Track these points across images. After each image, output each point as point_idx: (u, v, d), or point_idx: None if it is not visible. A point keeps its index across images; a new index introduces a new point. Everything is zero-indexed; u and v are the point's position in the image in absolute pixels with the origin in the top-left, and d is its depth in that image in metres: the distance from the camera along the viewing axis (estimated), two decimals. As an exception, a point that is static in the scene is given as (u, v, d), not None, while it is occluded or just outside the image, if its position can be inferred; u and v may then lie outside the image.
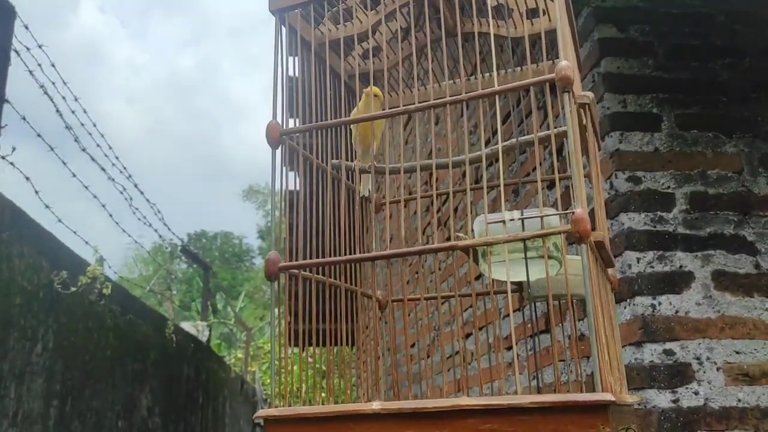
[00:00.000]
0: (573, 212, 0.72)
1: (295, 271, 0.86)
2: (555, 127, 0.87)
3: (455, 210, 3.21)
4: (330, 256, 0.91)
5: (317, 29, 1.09)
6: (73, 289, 2.81)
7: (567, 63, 0.79)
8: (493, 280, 0.97)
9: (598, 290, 0.79)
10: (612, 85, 1.91)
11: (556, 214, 0.79)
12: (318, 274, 0.92)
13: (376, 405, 0.74)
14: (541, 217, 0.75)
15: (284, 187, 0.94)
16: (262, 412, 0.78)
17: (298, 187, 0.93)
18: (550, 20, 1.10)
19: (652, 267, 1.76)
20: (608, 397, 0.66)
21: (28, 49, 2.67)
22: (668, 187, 1.84)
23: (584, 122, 0.93)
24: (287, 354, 0.84)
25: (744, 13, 2.04)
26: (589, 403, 0.66)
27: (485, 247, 0.77)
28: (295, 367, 0.87)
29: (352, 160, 1.14)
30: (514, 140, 0.98)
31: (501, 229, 0.79)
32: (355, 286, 1.01)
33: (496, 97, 0.84)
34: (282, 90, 0.94)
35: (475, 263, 0.89)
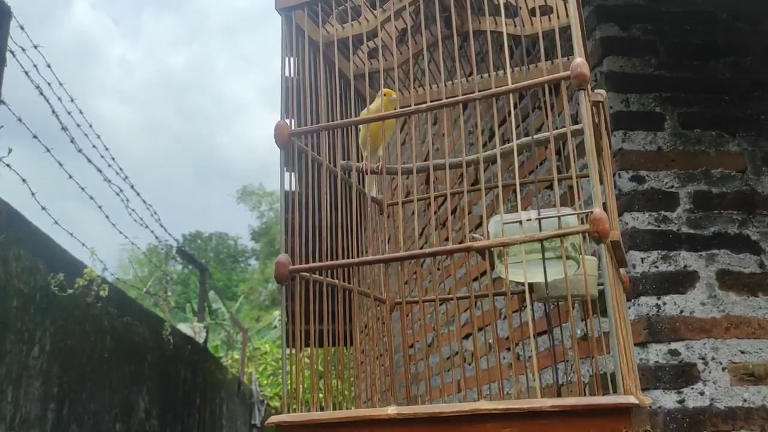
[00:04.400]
0: (591, 212, 0.71)
1: (306, 274, 0.85)
2: (560, 127, 0.86)
3: (454, 210, 3.20)
4: (339, 259, 0.89)
5: (323, 28, 1.08)
6: (70, 291, 2.79)
7: (582, 60, 0.78)
8: (500, 280, 0.96)
9: (615, 291, 0.78)
10: (615, 84, 1.90)
11: (573, 214, 0.78)
12: (328, 276, 0.90)
13: (391, 410, 0.72)
14: (558, 217, 0.74)
15: (290, 187, 0.92)
16: (275, 418, 0.76)
17: (303, 189, 0.92)
18: (558, 18, 1.09)
19: (657, 267, 1.75)
20: (631, 399, 0.65)
21: (23, 50, 2.64)
22: (672, 187, 1.83)
23: (597, 121, 0.92)
24: (298, 358, 0.83)
25: (746, 11, 2.03)
26: (612, 407, 0.65)
27: (501, 248, 0.75)
28: (300, 371, 0.85)
29: (356, 161, 1.12)
30: (527, 138, 0.97)
31: (517, 230, 0.77)
32: (361, 287, 0.99)
33: (510, 95, 0.82)
34: (289, 90, 0.93)
35: (490, 265, 0.88)
